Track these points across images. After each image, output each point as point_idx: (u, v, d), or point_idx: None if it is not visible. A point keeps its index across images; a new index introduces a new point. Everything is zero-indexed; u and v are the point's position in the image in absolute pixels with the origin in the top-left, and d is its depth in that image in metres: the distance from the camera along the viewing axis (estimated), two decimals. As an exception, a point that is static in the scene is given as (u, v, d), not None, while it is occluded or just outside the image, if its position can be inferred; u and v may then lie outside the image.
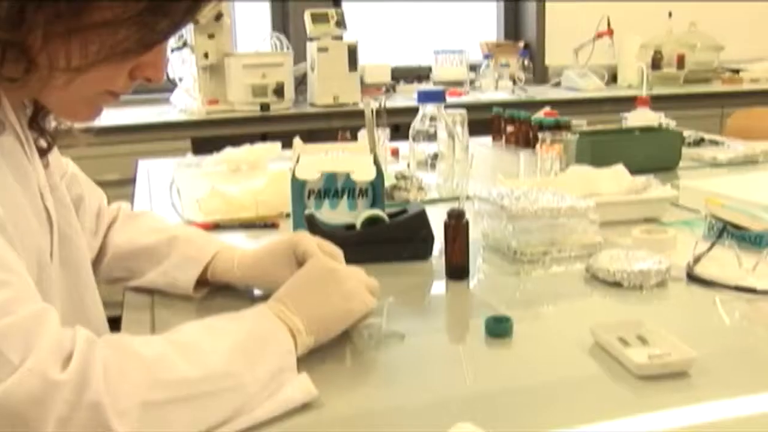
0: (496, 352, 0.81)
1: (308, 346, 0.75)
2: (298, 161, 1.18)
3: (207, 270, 0.95)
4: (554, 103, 2.52)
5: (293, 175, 1.16)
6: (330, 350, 0.79)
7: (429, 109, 1.57)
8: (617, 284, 0.96)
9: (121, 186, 2.52)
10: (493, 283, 1.04)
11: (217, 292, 0.97)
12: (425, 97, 1.55)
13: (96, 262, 0.98)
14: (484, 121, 2.27)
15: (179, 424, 0.60)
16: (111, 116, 2.87)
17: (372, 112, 1.23)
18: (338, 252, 0.88)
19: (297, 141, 1.25)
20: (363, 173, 1.15)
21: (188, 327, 0.70)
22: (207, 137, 2.72)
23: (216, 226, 1.29)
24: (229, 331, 0.69)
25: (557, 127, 1.83)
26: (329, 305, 0.78)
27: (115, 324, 0.98)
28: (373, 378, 0.76)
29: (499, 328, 0.83)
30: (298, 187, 1.17)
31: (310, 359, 0.75)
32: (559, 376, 0.74)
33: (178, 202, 1.47)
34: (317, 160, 1.19)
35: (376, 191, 1.18)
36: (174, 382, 0.61)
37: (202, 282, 0.96)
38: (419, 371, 0.76)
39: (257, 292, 0.96)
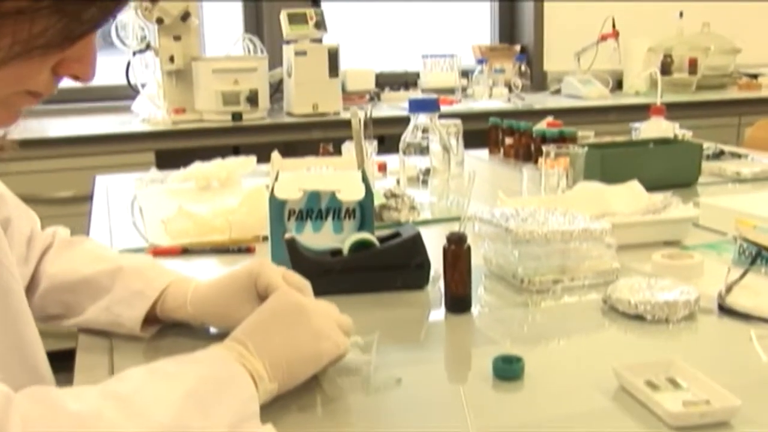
0: (504, 397, 0.78)
1: (272, 394, 0.72)
2: (277, 178, 1.15)
3: (156, 306, 0.91)
4: (554, 112, 2.51)
5: (272, 194, 1.12)
6: (303, 396, 0.75)
7: (421, 119, 1.54)
8: (639, 317, 0.94)
9: (76, 203, 2.49)
10: (498, 316, 1.01)
11: (175, 330, 0.93)
12: (417, 106, 1.52)
13: (26, 296, 0.91)
14: (477, 132, 2.26)
15: None
16: (64, 126, 2.84)
17: (360, 122, 1.19)
18: (306, 284, 0.85)
19: (275, 155, 1.21)
20: (351, 192, 1.12)
21: (130, 373, 0.65)
22: (173, 150, 2.68)
23: (184, 251, 1.25)
24: (180, 377, 0.65)
25: (562, 139, 1.80)
26: (296, 346, 0.74)
27: (61, 360, 0.94)
28: (359, 428, 0.72)
29: (509, 370, 0.79)
30: (278, 207, 1.13)
31: (278, 408, 0.72)
32: (578, 426, 0.71)
33: (141, 223, 1.43)
34: (298, 177, 1.15)
35: (365, 212, 1.14)
36: None
37: (151, 319, 0.91)
38: (414, 419, 0.72)
39: (214, 330, 0.92)
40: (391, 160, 1.85)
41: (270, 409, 0.71)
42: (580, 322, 0.97)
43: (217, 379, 0.67)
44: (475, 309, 0.99)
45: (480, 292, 1.07)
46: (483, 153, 2.14)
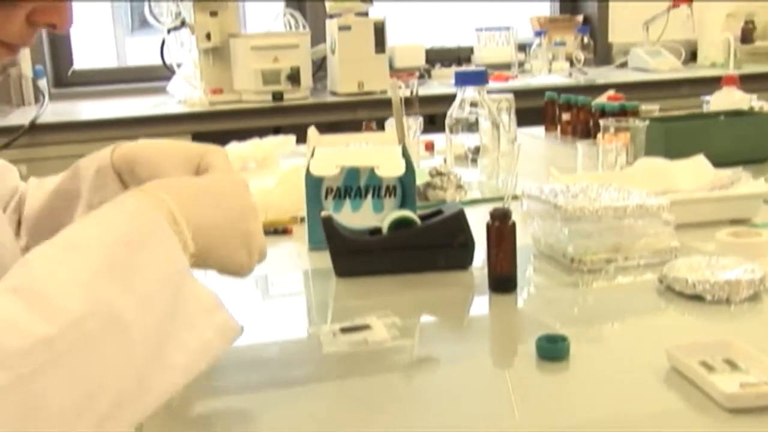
0: (549, 379, 0.79)
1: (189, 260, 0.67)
2: (313, 155, 1.17)
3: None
4: (619, 87, 2.48)
5: (308, 171, 1.15)
6: (341, 378, 0.77)
7: (469, 93, 1.55)
8: (698, 297, 0.94)
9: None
10: (546, 298, 1.02)
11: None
12: (464, 78, 1.54)
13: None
14: (535, 110, 2.25)
15: (53, 400, 0.53)
16: (98, 108, 2.91)
17: (400, 94, 1.21)
18: None
19: (312, 131, 1.24)
20: (390, 168, 1.14)
21: (32, 257, 0.59)
22: (210, 132, 2.73)
23: (217, 233, 1.28)
24: (90, 245, 0.60)
25: (623, 113, 1.80)
26: (224, 217, 0.71)
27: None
28: (399, 414, 0.74)
29: (553, 349, 0.80)
30: (314, 184, 1.16)
31: (312, 392, 0.74)
32: (627, 409, 0.72)
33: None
34: (336, 153, 1.18)
35: (406, 189, 1.17)
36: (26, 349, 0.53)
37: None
38: (456, 403, 0.74)
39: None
40: (440, 139, 1.86)
41: (302, 391, 0.73)
42: (633, 303, 0.97)
43: (136, 240, 0.61)
44: (522, 290, 1.00)
45: (528, 273, 1.08)
46: (539, 131, 2.13)
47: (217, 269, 0.73)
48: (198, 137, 2.73)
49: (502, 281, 0.99)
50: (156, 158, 0.83)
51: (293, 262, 1.18)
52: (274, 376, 0.81)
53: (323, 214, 1.07)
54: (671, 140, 1.52)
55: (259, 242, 0.75)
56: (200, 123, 2.79)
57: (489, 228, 0.98)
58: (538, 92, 2.37)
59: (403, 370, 0.81)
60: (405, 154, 1.16)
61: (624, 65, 3.56)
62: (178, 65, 2.97)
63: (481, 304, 1.01)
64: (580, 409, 0.73)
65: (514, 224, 0.98)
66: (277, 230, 1.29)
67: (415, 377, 0.80)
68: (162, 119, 2.77)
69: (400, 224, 1.08)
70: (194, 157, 0.82)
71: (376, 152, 1.18)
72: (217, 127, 2.79)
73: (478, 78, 1.53)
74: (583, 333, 0.88)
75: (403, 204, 1.16)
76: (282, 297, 1.11)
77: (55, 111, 2.85)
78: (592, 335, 0.89)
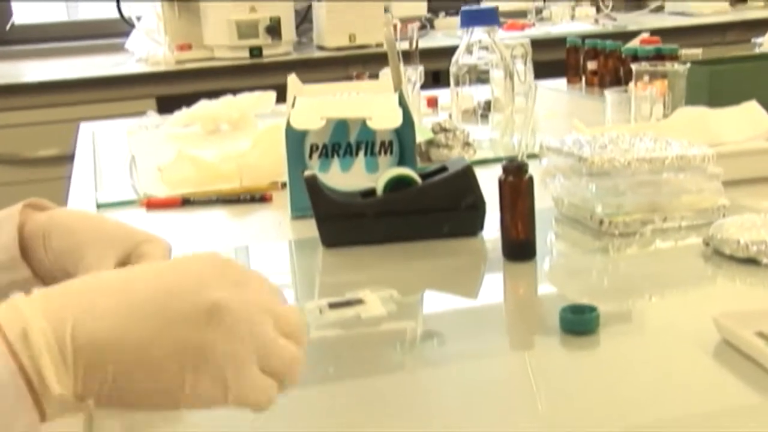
0: (576, 356, 0.78)
1: (67, 407, 0.50)
2: (293, 106, 1.16)
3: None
4: (655, 33, 2.46)
5: (288, 125, 1.13)
6: (334, 366, 0.76)
7: (477, 35, 1.53)
8: (752, 261, 0.93)
9: (61, 164, 2.53)
10: (571, 265, 1.02)
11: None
12: (471, 18, 1.52)
13: None
14: (555, 63, 2.24)
15: None
16: (44, 69, 2.90)
17: (394, 32, 1.20)
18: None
19: (293, 78, 1.22)
20: (385, 119, 1.12)
21: None
22: (177, 95, 2.70)
23: (185, 202, 1.28)
24: None
25: (659, 57, 1.78)
26: (155, 360, 0.51)
27: None
28: (400, 404, 0.73)
29: (580, 322, 0.79)
30: (296, 141, 1.14)
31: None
32: (670, 386, 0.71)
33: (133, 173, 1.46)
34: (321, 103, 1.17)
35: (404, 145, 1.15)
36: None
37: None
38: (467, 392, 0.73)
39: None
40: (445, 95, 1.85)
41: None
42: (674, 270, 0.97)
43: None
44: (542, 259, 0.99)
45: (549, 240, 1.07)
46: (560, 83, 2.12)
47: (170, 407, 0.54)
48: (163, 101, 2.71)
49: (519, 247, 0.98)
50: (77, 228, 0.78)
51: (273, 232, 1.17)
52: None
53: (306, 173, 1.05)
54: (717, 86, 1.50)
55: (251, 379, 0.53)
56: (165, 84, 2.78)
57: (501, 184, 0.97)
58: (559, 42, 2.35)
59: (403, 353, 0.80)
60: (402, 103, 1.15)
61: (660, 9, 3.55)
62: (138, 18, 2.96)
63: (493, 275, 1.01)
64: (613, 387, 0.71)
65: (531, 179, 0.97)
66: (254, 198, 1.28)
67: (420, 360, 0.79)
68: (120, 80, 2.76)
69: (397, 184, 1.07)
70: (128, 242, 0.77)
71: (367, 101, 1.16)
72: (184, 89, 2.77)
73: (488, 17, 1.52)
74: (615, 307, 0.86)
75: (401, 163, 1.15)
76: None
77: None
78: (626, 308, 0.88)
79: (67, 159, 2.45)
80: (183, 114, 1.79)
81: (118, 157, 1.59)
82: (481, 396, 0.72)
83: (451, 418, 0.68)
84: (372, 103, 1.16)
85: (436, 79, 2.58)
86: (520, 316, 0.92)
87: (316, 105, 1.16)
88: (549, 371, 0.76)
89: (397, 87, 1.21)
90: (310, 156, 1.15)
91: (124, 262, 0.77)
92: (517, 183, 0.96)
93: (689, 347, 0.76)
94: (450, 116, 1.62)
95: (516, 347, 0.84)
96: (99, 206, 1.30)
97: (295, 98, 1.17)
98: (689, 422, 0.65)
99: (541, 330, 0.85)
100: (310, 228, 1.07)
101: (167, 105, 2.67)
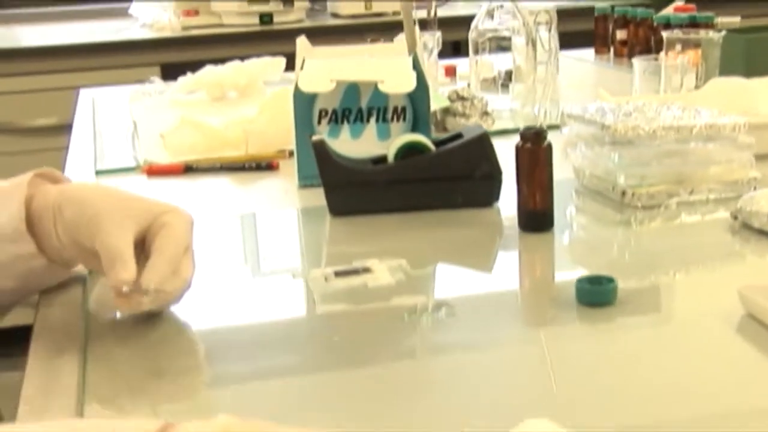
0: (592, 329, 0.79)
1: None
2: (302, 68, 1.16)
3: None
4: (695, 2, 2.44)
5: (296, 87, 1.14)
6: (344, 346, 0.77)
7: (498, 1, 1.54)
8: (781, 236, 0.93)
9: (59, 133, 2.55)
10: (591, 239, 1.02)
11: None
12: (492, -20, 1.52)
13: None
14: (585, 33, 2.23)
15: None
16: (43, 34, 2.91)
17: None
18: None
19: (302, 40, 1.23)
20: (397, 82, 1.13)
21: None
22: (183, 62, 2.71)
23: (187, 169, 1.29)
24: None
25: (693, 25, 1.77)
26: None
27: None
28: (410, 379, 0.74)
29: (596, 293, 0.80)
30: (304, 105, 1.15)
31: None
32: (689, 362, 0.71)
33: (135, 140, 1.47)
34: (331, 65, 1.17)
35: (417, 111, 1.16)
36: None
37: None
38: (482, 366, 0.73)
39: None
40: (464, 64, 1.85)
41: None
42: (700, 243, 0.97)
43: None
44: (560, 231, 1.00)
45: (569, 212, 1.08)
46: (587, 53, 2.12)
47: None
48: (168, 68, 2.72)
49: (535, 217, 0.98)
50: (93, 200, 0.80)
51: (280, 201, 1.18)
52: (262, 357, 0.78)
53: (314, 138, 1.06)
54: (753, 55, 1.50)
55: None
56: (170, 51, 2.80)
57: (519, 151, 0.97)
58: (588, 11, 2.35)
59: (412, 327, 0.80)
60: (417, 67, 1.15)
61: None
62: (143, -19, 2.97)
63: (509, 247, 1.01)
64: (629, 362, 0.72)
65: (550, 146, 0.97)
66: (260, 165, 1.29)
67: (427, 335, 0.79)
68: (123, 46, 2.77)
69: (409, 151, 1.08)
70: (148, 213, 0.80)
71: (380, 64, 1.17)
72: (190, 56, 2.78)
73: (511, -20, 1.51)
74: (636, 282, 0.87)
75: (414, 130, 1.16)
76: (263, 241, 1.11)
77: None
78: (648, 284, 0.88)
79: (66, 128, 2.47)
80: (188, 80, 1.80)
81: (119, 125, 1.61)
82: (491, 375, 0.72)
83: (461, 398, 0.68)
84: (385, 67, 1.16)
85: (456, 49, 2.58)
86: (536, 289, 0.93)
87: (326, 67, 1.16)
88: (565, 348, 0.76)
89: (412, 50, 1.21)
90: (319, 121, 1.16)
91: (143, 233, 0.79)
92: (535, 150, 0.96)
93: (711, 320, 0.77)
94: (468, 85, 1.62)
95: (530, 322, 0.85)
96: (98, 173, 1.31)
97: (304, 60, 1.17)
98: (712, 402, 0.66)
99: (557, 303, 0.85)
100: (317, 197, 1.08)
101: (172, 73, 2.68)
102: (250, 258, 1.03)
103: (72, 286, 0.91)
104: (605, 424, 0.62)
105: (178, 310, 0.82)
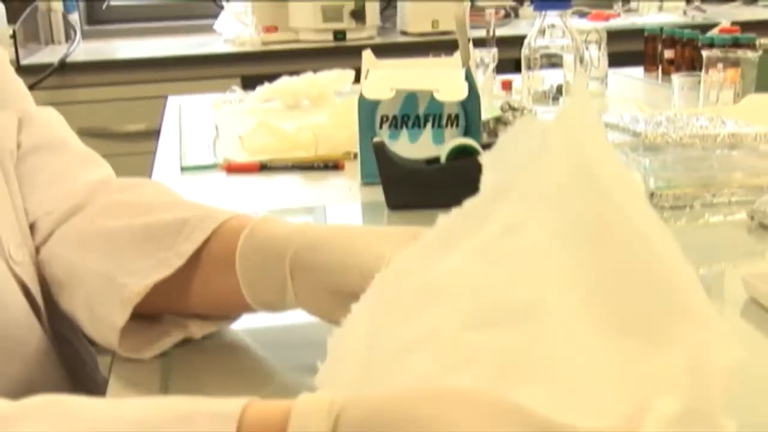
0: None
1: None
2: (366, 77, 1.25)
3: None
4: (746, 27, 2.45)
5: (360, 95, 1.22)
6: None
7: (550, 20, 1.61)
8: (794, 234, 0.98)
9: (148, 138, 2.67)
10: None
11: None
12: (543, 1, 1.59)
13: None
14: (636, 53, 2.27)
15: None
16: (136, 47, 3.03)
17: (464, 10, 1.28)
18: None
19: (368, 53, 1.31)
20: (450, 92, 1.20)
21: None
22: (262, 75, 2.79)
23: (263, 168, 1.37)
24: None
25: (735, 46, 1.81)
26: None
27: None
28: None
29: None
30: (368, 111, 1.23)
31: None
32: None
33: (217, 142, 1.56)
34: (392, 74, 1.25)
35: (469, 117, 1.23)
36: None
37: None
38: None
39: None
40: (520, 79, 1.91)
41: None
42: (722, 243, 1.02)
43: None
44: (594, 227, 1.06)
45: (603, 211, 1.13)
46: (637, 71, 2.16)
47: None
48: (248, 79, 2.81)
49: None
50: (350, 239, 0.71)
51: (344, 197, 1.26)
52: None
53: (375, 139, 1.14)
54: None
55: None
56: (251, 65, 2.87)
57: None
58: (640, 33, 2.38)
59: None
60: (468, 78, 1.23)
61: (753, 1, 3.51)
62: (227, 0, 3.06)
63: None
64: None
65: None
66: (327, 165, 1.37)
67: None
68: (207, 59, 2.87)
69: (460, 153, 1.15)
70: (408, 238, 0.65)
71: (436, 75, 1.25)
72: (270, 69, 2.85)
73: (560, 1, 1.58)
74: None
75: (465, 135, 1.22)
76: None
77: (87, 50, 2.98)
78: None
79: (154, 134, 2.58)
80: (265, 89, 1.89)
81: (202, 129, 1.70)
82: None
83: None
84: (440, 77, 1.24)
85: (518, 67, 2.62)
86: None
87: (387, 77, 1.24)
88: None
89: (465, 64, 1.29)
90: (381, 126, 1.24)
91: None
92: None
93: (719, 306, 0.82)
94: (521, 98, 1.70)
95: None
96: (183, 169, 1.41)
97: (368, 71, 1.26)
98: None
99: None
100: (377, 193, 1.16)
101: (251, 83, 2.76)
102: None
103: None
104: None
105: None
